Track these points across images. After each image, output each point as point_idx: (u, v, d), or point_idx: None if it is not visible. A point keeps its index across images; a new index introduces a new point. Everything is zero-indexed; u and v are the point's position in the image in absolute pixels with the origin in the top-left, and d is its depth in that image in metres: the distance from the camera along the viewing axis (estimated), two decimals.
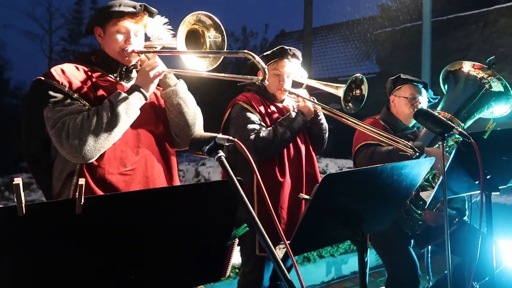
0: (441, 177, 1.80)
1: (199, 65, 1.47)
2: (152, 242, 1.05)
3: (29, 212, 0.85)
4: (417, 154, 2.08)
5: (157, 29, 1.63)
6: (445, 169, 1.68)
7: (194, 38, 1.49)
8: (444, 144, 1.72)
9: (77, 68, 1.57)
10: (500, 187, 1.89)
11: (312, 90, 2.50)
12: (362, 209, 1.42)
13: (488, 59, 2.41)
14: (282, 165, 2.23)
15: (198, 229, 1.12)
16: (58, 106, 1.46)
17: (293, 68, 2.35)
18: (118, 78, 1.64)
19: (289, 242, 1.26)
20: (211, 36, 1.51)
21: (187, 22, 1.42)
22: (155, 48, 1.64)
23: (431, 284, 2.74)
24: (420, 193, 2.39)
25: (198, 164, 7.78)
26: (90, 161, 1.46)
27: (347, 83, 2.22)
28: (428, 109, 1.97)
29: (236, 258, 2.68)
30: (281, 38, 19.57)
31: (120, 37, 1.58)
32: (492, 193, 1.85)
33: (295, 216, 2.19)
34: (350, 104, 2.28)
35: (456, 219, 2.53)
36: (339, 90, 2.24)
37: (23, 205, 0.84)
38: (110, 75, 1.63)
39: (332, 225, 1.42)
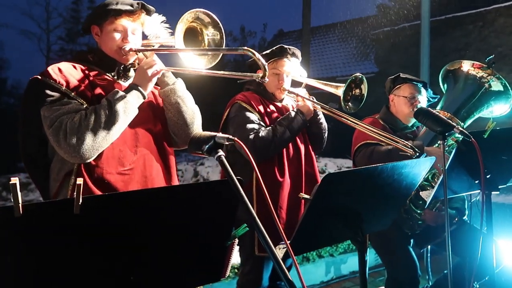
0: (441, 177, 1.80)
1: (198, 63, 1.45)
2: (151, 243, 1.04)
3: (26, 212, 0.84)
4: (417, 154, 2.07)
5: (154, 27, 1.62)
6: (445, 168, 1.68)
7: (192, 36, 1.48)
8: (445, 144, 1.71)
9: (74, 67, 1.55)
10: (500, 187, 1.89)
11: (311, 90, 2.49)
12: (362, 209, 1.42)
13: (487, 58, 2.40)
14: (282, 165, 2.23)
15: (198, 229, 1.11)
16: (55, 105, 1.44)
17: (293, 67, 2.34)
18: (115, 77, 1.63)
19: (289, 242, 1.25)
20: (209, 34, 1.50)
21: (185, 20, 1.41)
22: (153, 46, 1.63)
23: (430, 283, 2.74)
24: (420, 192, 2.39)
25: (196, 163, 7.77)
26: (88, 160, 1.45)
27: (346, 83, 2.21)
28: (429, 108, 1.97)
29: (235, 258, 2.67)
30: (280, 37, 19.57)
31: (117, 36, 1.57)
32: (492, 192, 1.85)
33: (294, 216, 2.19)
34: (349, 103, 2.27)
35: (456, 219, 2.53)
36: (339, 90, 2.23)
37: (20, 205, 0.83)
38: (107, 74, 1.62)
39: (332, 225, 1.41)
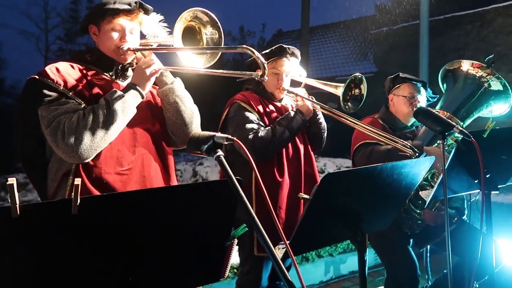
0: (440, 176, 1.79)
1: (196, 62, 1.45)
2: (149, 243, 1.03)
3: (24, 213, 0.84)
4: (417, 154, 2.07)
5: (152, 26, 1.61)
6: (445, 168, 1.67)
7: (190, 35, 1.47)
8: (444, 143, 1.71)
9: (72, 67, 1.55)
10: (499, 186, 1.88)
11: (310, 89, 2.49)
12: (361, 209, 1.41)
13: (487, 58, 2.40)
14: (281, 165, 2.22)
15: (197, 229, 1.11)
16: (53, 105, 1.43)
17: (292, 67, 2.34)
18: (113, 77, 1.62)
19: (289, 242, 1.24)
20: (208, 33, 1.49)
21: (184, 19, 1.40)
22: (151, 45, 1.62)
23: (430, 283, 2.74)
24: (419, 192, 2.39)
25: (195, 163, 7.76)
26: (86, 160, 1.44)
27: (346, 83, 2.21)
28: (428, 108, 1.96)
29: (234, 258, 2.66)
30: (279, 37, 19.57)
31: (115, 35, 1.56)
32: (491, 192, 1.85)
33: (294, 216, 2.18)
34: (349, 103, 2.26)
35: (455, 218, 2.53)
36: (338, 90, 2.23)
37: (18, 205, 0.83)
38: (105, 74, 1.61)
39: (331, 225, 1.41)
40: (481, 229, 1.85)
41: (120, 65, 1.61)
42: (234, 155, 2.22)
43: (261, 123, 2.22)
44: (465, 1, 9.70)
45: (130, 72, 1.65)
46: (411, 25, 10.00)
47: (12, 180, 0.81)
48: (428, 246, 2.70)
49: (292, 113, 2.26)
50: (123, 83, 1.62)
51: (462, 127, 2.33)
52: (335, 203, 1.34)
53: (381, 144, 2.34)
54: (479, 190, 1.85)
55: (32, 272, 0.91)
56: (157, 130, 1.65)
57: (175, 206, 1.05)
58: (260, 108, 2.26)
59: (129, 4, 1.55)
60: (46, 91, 1.44)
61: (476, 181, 1.84)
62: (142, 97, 1.54)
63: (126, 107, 1.47)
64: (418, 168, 1.47)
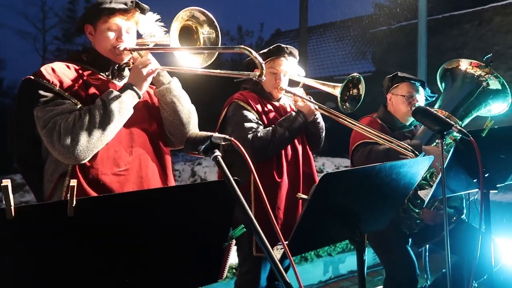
0: (439, 176, 1.79)
1: (193, 62, 1.44)
2: (147, 244, 1.03)
3: (19, 214, 0.83)
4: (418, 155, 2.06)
5: (149, 26, 1.60)
6: (444, 167, 1.67)
7: (187, 35, 1.46)
8: (443, 142, 1.71)
9: (68, 67, 1.53)
10: (498, 185, 1.88)
11: (308, 89, 2.48)
12: (360, 209, 1.41)
13: (485, 57, 2.40)
14: (280, 166, 2.21)
15: (194, 230, 1.10)
16: (49, 106, 1.42)
17: (290, 67, 2.33)
18: (110, 77, 1.61)
19: (287, 242, 1.24)
20: (204, 32, 1.48)
21: (180, 18, 1.39)
22: (148, 45, 1.61)
23: (429, 283, 2.74)
24: (418, 191, 2.38)
25: (194, 163, 7.74)
26: (83, 161, 1.43)
27: (344, 83, 2.20)
28: (427, 107, 1.96)
29: (233, 258, 2.65)
30: (277, 37, 19.57)
31: (111, 35, 1.55)
32: (490, 191, 1.84)
33: (292, 216, 2.17)
34: (346, 103, 2.26)
35: (454, 218, 2.52)
36: (336, 90, 2.22)
37: (12, 207, 0.82)
38: (101, 74, 1.60)
39: (330, 225, 1.40)
40: (480, 228, 1.85)
41: (117, 65, 1.60)
42: (233, 155, 2.21)
43: (259, 122, 2.21)
44: (463, 0, 9.71)
45: (126, 72, 1.64)
46: (409, 24, 10.00)
47: (6, 182, 0.80)
48: (427, 246, 2.70)
49: (294, 114, 2.24)
50: (120, 83, 1.61)
51: (460, 126, 2.33)
52: (334, 203, 1.34)
53: (379, 143, 2.34)
54: (477, 189, 1.85)
55: (28, 274, 0.91)
56: (154, 130, 1.64)
57: (172, 207, 1.04)
58: (259, 107, 2.25)
59: (125, 4, 1.54)
60: (41, 92, 1.43)
61: (474, 180, 1.84)
62: (139, 97, 1.53)
63: (123, 107, 1.46)
64: (417, 167, 1.47)
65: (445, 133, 1.71)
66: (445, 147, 2.24)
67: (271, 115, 2.29)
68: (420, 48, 5.88)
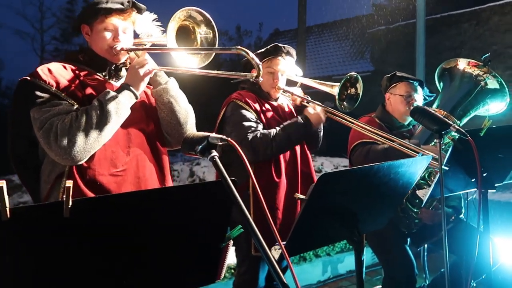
0: (437, 175, 1.79)
1: (190, 62, 1.43)
2: (144, 245, 1.02)
3: (14, 216, 0.82)
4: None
5: (146, 25, 1.59)
6: (442, 167, 1.67)
7: (184, 35, 1.45)
8: (441, 142, 1.70)
9: (65, 67, 1.52)
10: (496, 185, 1.88)
11: (307, 89, 2.48)
12: (358, 209, 1.40)
13: (483, 56, 2.40)
14: (278, 165, 2.21)
15: (192, 231, 1.09)
16: (45, 107, 1.41)
17: (288, 66, 2.32)
18: (107, 77, 1.60)
19: (285, 242, 1.23)
20: (202, 32, 1.48)
21: (177, 18, 1.38)
22: (145, 45, 1.60)
23: (427, 282, 2.74)
24: (417, 191, 2.38)
25: (192, 163, 7.73)
26: (80, 162, 1.42)
27: (341, 82, 2.20)
28: (425, 107, 1.96)
29: (231, 258, 2.65)
30: (275, 36, 19.56)
31: (108, 35, 1.54)
32: (488, 190, 1.84)
33: (291, 216, 2.17)
34: (344, 103, 2.26)
35: (452, 217, 2.52)
36: (334, 89, 2.22)
37: (7, 208, 0.81)
38: (98, 74, 1.59)
39: (328, 224, 1.40)
40: (478, 228, 1.85)
41: (114, 65, 1.59)
42: (231, 156, 2.20)
43: (258, 121, 2.20)
44: (462, 0, 9.71)
45: (123, 72, 1.63)
46: (408, 24, 10.01)
47: (1, 183, 0.79)
48: (426, 245, 2.70)
49: (300, 121, 2.20)
50: (117, 84, 1.60)
51: (458, 125, 2.33)
52: (332, 203, 1.33)
53: (378, 143, 2.33)
54: (476, 189, 1.85)
55: (24, 275, 0.90)
56: (151, 130, 1.63)
57: (169, 207, 1.03)
58: (257, 106, 2.24)
59: (122, 3, 1.53)
60: (38, 93, 1.42)
61: (473, 180, 1.84)
62: (136, 98, 1.53)
63: (120, 108, 1.46)
64: (415, 167, 1.46)
65: (443, 132, 1.71)
66: (443, 147, 2.23)
67: (269, 114, 2.28)
68: (419, 47, 5.88)
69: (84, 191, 1.42)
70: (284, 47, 2.29)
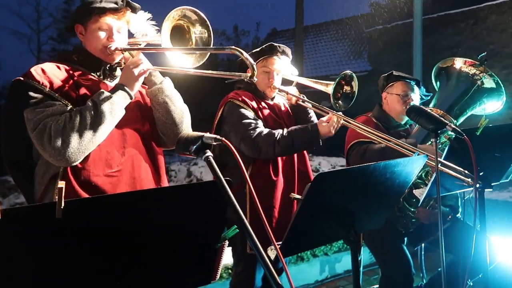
0: (434, 175, 1.79)
1: (185, 62, 1.42)
2: (139, 246, 1.01)
3: (5, 217, 0.81)
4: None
5: (140, 25, 1.58)
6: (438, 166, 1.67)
7: (179, 34, 1.44)
8: (437, 141, 1.70)
9: (58, 67, 1.51)
10: (493, 184, 1.88)
11: (303, 88, 2.47)
12: (355, 208, 1.40)
13: (480, 56, 2.40)
14: (276, 164, 2.20)
15: (188, 231, 1.09)
16: (39, 107, 1.40)
17: (283, 66, 2.32)
18: (101, 77, 1.59)
19: (281, 243, 1.23)
20: (196, 32, 1.47)
21: (172, 18, 1.37)
22: (139, 45, 1.59)
23: (424, 281, 2.74)
24: (413, 190, 2.38)
25: (190, 164, 7.71)
26: (74, 163, 1.40)
27: (336, 80, 2.20)
28: (421, 106, 1.96)
29: (228, 258, 2.64)
30: (273, 36, 19.55)
31: (102, 34, 1.53)
32: (485, 190, 1.84)
33: (288, 215, 2.16)
34: (339, 101, 2.25)
35: (449, 216, 2.53)
36: (329, 88, 2.22)
37: None
38: (92, 74, 1.57)
39: (324, 224, 1.39)
40: (475, 227, 1.85)
41: (108, 65, 1.58)
42: (227, 155, 2.20)
43: (256, 117, 2.20)
44: None
45: (118, 72, 1.62)
46: (405, 23, 10.02)
47: None
48: (423, 244, 2.70)
49: (309, 129, 2.13)
50: (111, 83, 1.59)
51: (455, 125, 2.33)
52: (328, 202, 1.33)
53: (375, 142, 2.33)
54: (472, 188, 1.85)
55: (16, 276, 0.89)
56: (146, 130, 1.62)
57: (164, 208, 1.03)
58: (254, 104, 2.24)
59: (116, 3, 1.52)
60: (31, 93, 1.40)
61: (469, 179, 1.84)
62: (131, 98, 1.51)
63: (114, 108, 1.44)
64: (412, 166, 1.46)
65: (439, 132, 1.70)
66: (439, 146, 2.23)
67: (266, 112, 2.28)
68: (416, 47, 5.90)
69: (78, 192, 1.41)
70: (279, 46, 2.28)
